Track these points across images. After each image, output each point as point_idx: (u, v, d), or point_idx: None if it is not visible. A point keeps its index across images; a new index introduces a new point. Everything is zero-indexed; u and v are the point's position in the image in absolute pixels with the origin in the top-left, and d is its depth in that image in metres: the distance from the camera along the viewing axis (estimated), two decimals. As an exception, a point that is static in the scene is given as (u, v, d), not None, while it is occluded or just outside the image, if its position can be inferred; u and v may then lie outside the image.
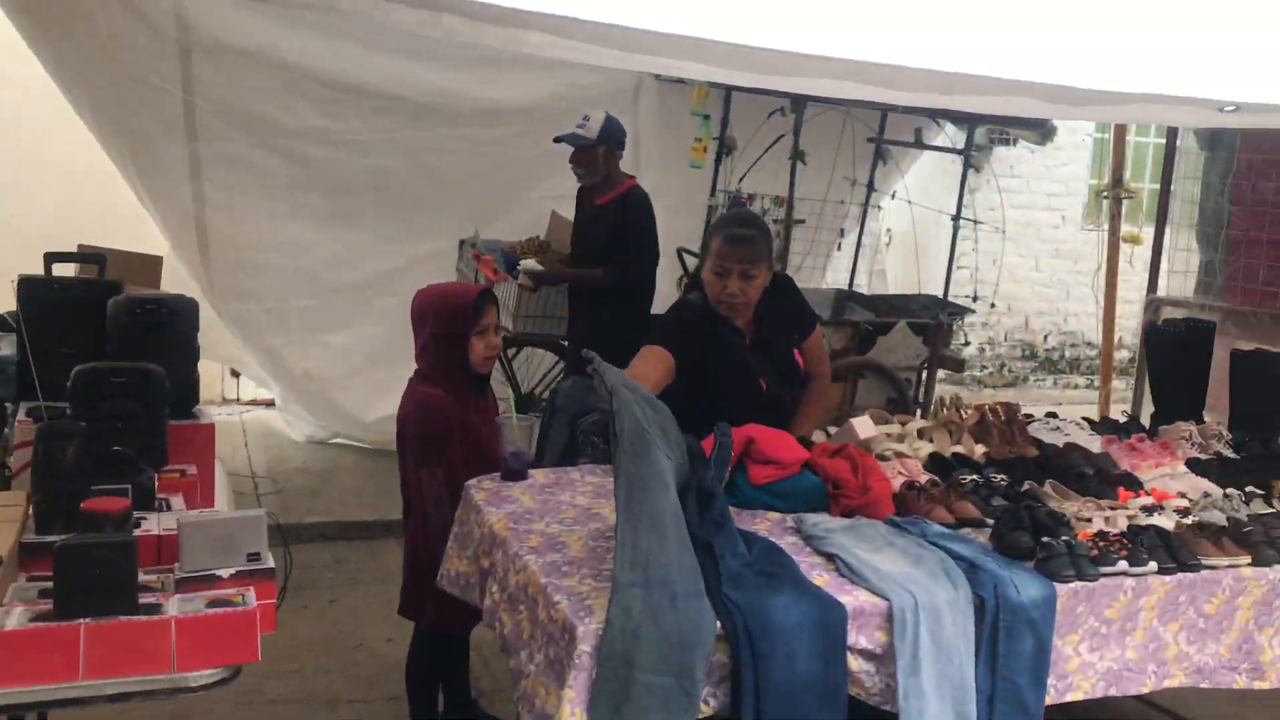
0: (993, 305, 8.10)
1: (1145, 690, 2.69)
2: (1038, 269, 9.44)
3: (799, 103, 5.75)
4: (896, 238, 8.58)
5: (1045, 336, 9.63)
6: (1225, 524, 2.93)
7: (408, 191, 5.99)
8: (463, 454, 3.10)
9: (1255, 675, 2.84)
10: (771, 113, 5.95)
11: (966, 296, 7.25)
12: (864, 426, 3.43)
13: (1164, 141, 6.35)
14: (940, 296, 6.55)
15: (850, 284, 7.27)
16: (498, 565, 2.68)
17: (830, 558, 2.58)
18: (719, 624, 2.23)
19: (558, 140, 5.11)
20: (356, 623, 4.43)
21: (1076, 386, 9.53)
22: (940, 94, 3.09)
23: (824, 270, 7.34)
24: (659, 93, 6.31)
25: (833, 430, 3.57)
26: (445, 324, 3.14)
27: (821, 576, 2.49)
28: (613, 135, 5.10)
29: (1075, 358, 9.68)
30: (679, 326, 3.20)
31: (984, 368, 9.45)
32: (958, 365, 6.78)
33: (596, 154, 5.08)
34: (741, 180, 6.20)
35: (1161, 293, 6.17)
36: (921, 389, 6.37)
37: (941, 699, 2.36)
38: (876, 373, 6.11)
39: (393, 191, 5.96)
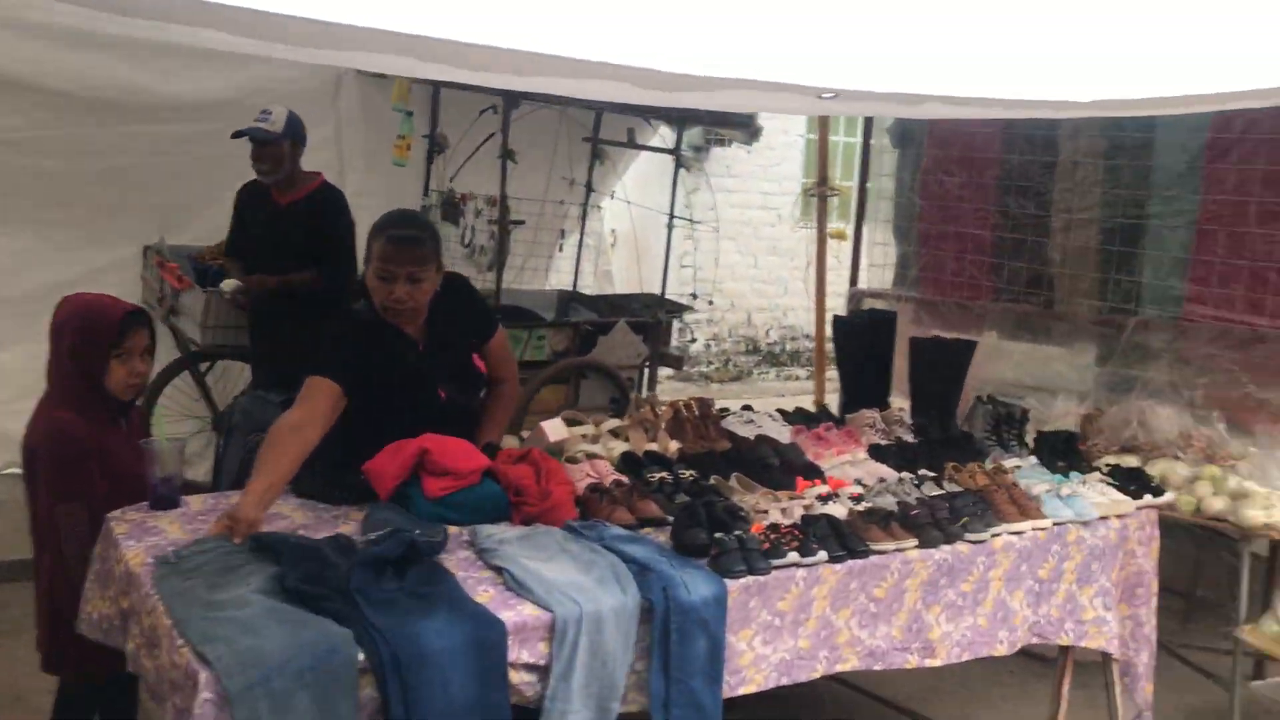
0: (711, 302, 8.28)
1: (816, 676, 2.72)
2: (757, 266, 9.75)
3: (509, 100, 5.62)
4: (621, 238, 8.62)
5: (767, 331, 9.97)
6: (894, 509, 3.03)
7: (80, 194, 5.42)
8: (104, 484, 2.77)
9: (926, 654, 2.94)
10: (484, 110, 5.81)
11: (689, 294, 7.38)
12: (554, 429, 3.36)
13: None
14: (659, 295, 6.61)
15: (574, 285, 7.22)
16: (135, 605, 2.42)
17: (500, 571, 2.47)
18: (362, 657, 2.07)
19: (238, 135, 4.77)
20: (14, 674, 3.94)
21: (798, 378, 9.91)
22: (515, 75, 2.96)
23: (547, 272, 7.26)
24: (361, 88, 6.02)
25: (525, 435, 3.48)
26: (82, 341, 2.79)
27: (486, 592, 2.37)
28: (297, 131, 4.82)
29: (795, 350, 10.07)
30: (342, 345, 2.95)
31: (710, 363, 9.68)
32: (677, 362, 6.88)
33: (283, 149, 4.79)
34: (453, 180, 6.03)
35: (863, 286, 6.45)
36: (644, 387, 6.40)
37: (586, 696, 2.32)
38: (598, 373, 6.10)
39: (61, 194, 5.36)
